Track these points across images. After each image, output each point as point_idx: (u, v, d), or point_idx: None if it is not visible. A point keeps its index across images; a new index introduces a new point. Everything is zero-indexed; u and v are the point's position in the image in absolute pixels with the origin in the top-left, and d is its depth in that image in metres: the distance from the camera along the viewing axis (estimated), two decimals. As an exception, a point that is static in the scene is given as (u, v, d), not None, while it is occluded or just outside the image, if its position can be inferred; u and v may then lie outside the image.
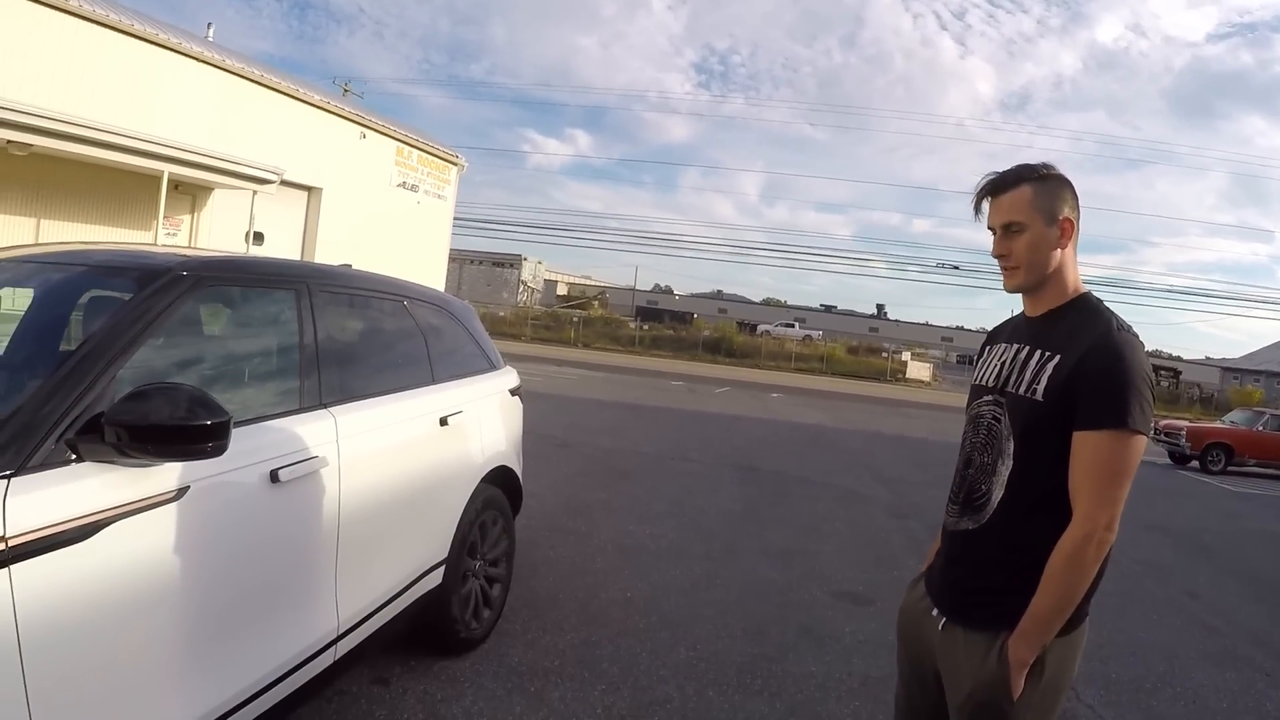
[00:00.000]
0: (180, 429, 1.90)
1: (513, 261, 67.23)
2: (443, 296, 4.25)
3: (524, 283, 67.34)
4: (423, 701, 3.29)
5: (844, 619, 4.72)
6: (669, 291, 74.31)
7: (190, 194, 14.82)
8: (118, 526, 1.90)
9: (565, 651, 3.89)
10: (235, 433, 2.14)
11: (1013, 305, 2.31)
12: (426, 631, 3.58)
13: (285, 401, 2.71)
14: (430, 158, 22.16)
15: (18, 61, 11.63)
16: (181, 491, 2.09)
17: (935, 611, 1.95)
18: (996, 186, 1.90)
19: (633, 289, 61.38)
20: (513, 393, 4.44)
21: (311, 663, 2.64)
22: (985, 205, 1.94)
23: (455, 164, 23.30)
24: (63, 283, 2.71)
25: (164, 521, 2.05)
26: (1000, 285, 1.94)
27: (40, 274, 2.79)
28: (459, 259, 62.80)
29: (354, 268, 3.69)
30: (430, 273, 21.98)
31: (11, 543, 1.66)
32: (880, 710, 3.55)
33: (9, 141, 10.34)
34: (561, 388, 17.75)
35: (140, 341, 2.19)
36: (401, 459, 3.25)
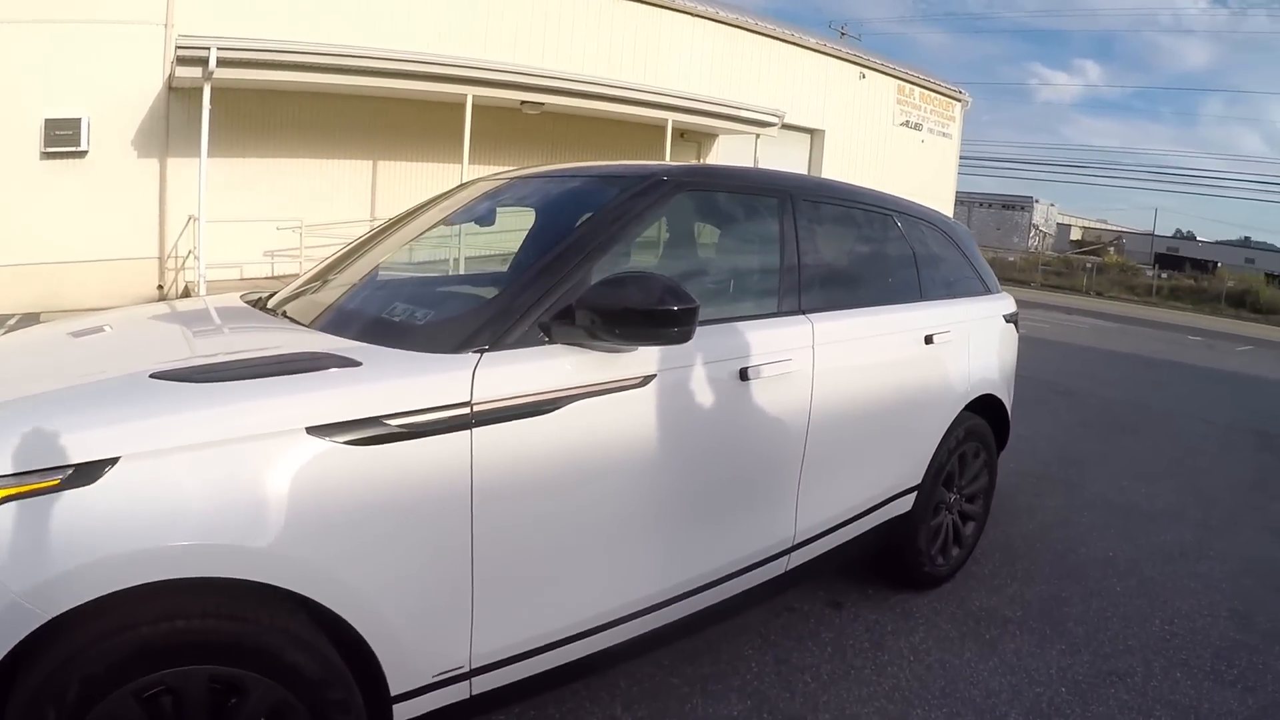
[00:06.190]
0: (649, 313, 1.95)
1: (1023, 204, 62.40)
2: (938, 216, 3.97)
3: (1035, 226, 62.15)
4: (871, 631, 3.17)
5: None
6: (1191, 238, 63.34)
7: (695, 141, 16.14)
8: (581, 404, 2.04)
9: (1031, 603, 3.52)
10: (707, 330, 2.23)
11: None
12: (890, 559, 3.45)
13: (762, 306, 2.73)
14: (932, 94, 21.27)
15: (530, 33, 13.61)
16: (647, 379, 2.17)
17: None
18: None
19: (1151, 234, 53.66)
20: (1008, 319, 4.01)
21: (761, 568, 2.66)
22: None
23: (959, 99, 22.08)
24: (563, 193, 2.97)
25: (627, 405, 2.15)
26: None
27: (545, 186, 3.10)
28: (968, 201, 59.70)
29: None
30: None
31: (477, 409, 1.86)
32: None
33: (522, 102, 12.14)
34: (1070, 335, 16.02)
35: (618, 238, 2.32)
36: (880, 373, 3.09)
